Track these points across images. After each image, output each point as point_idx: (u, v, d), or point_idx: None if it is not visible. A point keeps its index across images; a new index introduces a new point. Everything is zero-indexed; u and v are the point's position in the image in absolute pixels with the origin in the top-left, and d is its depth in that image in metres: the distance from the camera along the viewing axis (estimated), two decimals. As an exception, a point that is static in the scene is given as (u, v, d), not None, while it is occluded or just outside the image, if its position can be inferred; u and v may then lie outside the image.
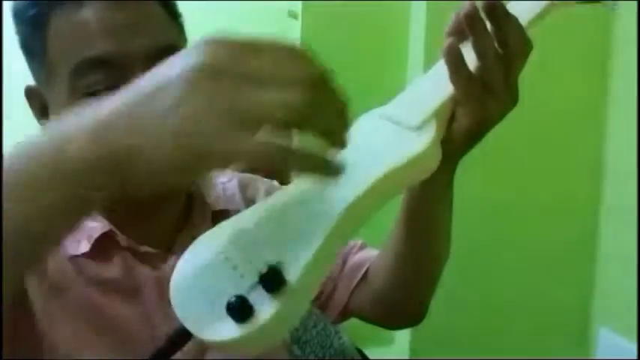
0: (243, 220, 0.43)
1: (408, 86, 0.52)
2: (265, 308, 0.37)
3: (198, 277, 0.40)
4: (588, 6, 0.52)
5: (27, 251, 0.36)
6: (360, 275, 0.71)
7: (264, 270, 0.37)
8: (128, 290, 0.59)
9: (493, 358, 1.58)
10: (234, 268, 0.39)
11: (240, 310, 0.36)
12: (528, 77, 1.78)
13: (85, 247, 0.60)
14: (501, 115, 0.50)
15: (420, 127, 0.47)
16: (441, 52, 0.47)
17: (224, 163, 0.33)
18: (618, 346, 1.60)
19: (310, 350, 1.24)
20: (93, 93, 0.54)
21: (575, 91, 1.68)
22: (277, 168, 0.32)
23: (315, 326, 1.27)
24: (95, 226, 0.61)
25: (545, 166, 1.68)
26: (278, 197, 0.44)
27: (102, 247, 0.60)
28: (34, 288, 0.57)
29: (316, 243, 0.39)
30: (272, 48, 0.32)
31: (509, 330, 1.68)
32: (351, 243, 0.74)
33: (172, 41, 0.58)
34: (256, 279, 0.37)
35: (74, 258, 0.59)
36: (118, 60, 0.53)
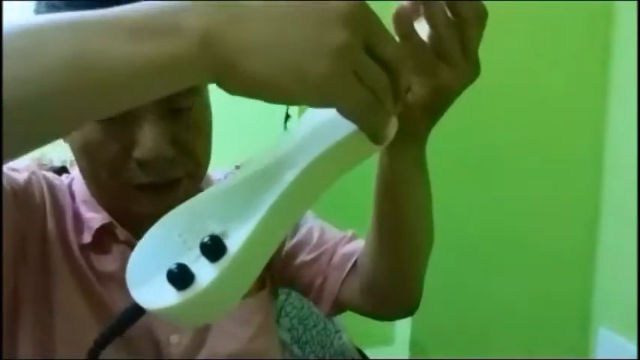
0: (202, 197, 0.44)
1: None
2: (205, 275, 0.37)
3: (151, 252, 0.41)
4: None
5: (113, 96, 0.36)
6: (349, 265, 0.70)
7: (205, 239, 0.38)
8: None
9: (493, 358, 1.59)
10: (185, 242, 0.40)
11: (179, 277, 0.37)
12: (529, 76, 1.79)
13: (87, 237, 0.62)
14: (461, 87, 0.49)
15: None
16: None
17: (325, 100, 0.36)
18: (618, 346, 1.60)
19: (310, 350, 1.25)
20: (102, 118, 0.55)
21: (575, 90, 1.68)
22: (356, 122, 0.38)
23: (315, 326, 1.27)
24: (95, 217, 0.62)
25: (545, 166, 1.68)
26: (234, 176, 0.45)
27: (102, 239, 0.62)
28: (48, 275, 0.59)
29: (259, 214, 0.39)
30: (390, 36, 0.37)
31: (509, 330, 1.68)
32: (341, 234, 0.74)
33: None
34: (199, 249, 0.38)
35: (81, 248, 0.62)
36: None
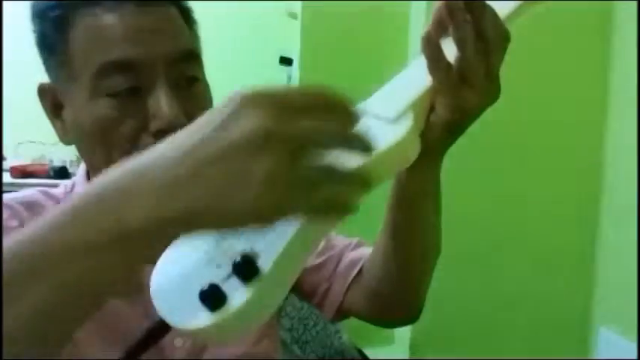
0: None
1: (388, 80, 0.53)
2: (237, 296, 0.37)
3: (177, 269, 0.41)
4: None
5: (72, 315, 0.37)
6: (354, 272, 0.71)
7: (238, 259, 0.38)
8: (131, 287, 0.59)
9: (493, 358, 1.59)
10: (212, 259, 0.40)
11: (212, 297, 0.37)
12: (529, 77, 1.78)
13: None
14: (481, 108, 0.50)
15: (397, 119, 0.47)
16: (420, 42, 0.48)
17: (283, 218, 0.35)
18: (618, 346, 1.60)
19: (310, 350, 1.25)
20: (114, 94, 0.55)
21: (575, 91, 1.68)
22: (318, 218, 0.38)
23: (315, 326, 1.27)
24: None
25: (545, 167, 1.68)
26: None
27: None
28: None
29: (290, 232, 0.39)
30: (310, 103, 0.35)
31: (509, 330, 1.69)
32: (347, 241, 0.74)
33: (191, 46, 0.60)
34: (231, 269, 0.38)
35: None
36: (140, 63, 0.55)
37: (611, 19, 1.66)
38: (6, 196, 0.63)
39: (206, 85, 0.62)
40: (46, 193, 0.65)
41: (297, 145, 0.34)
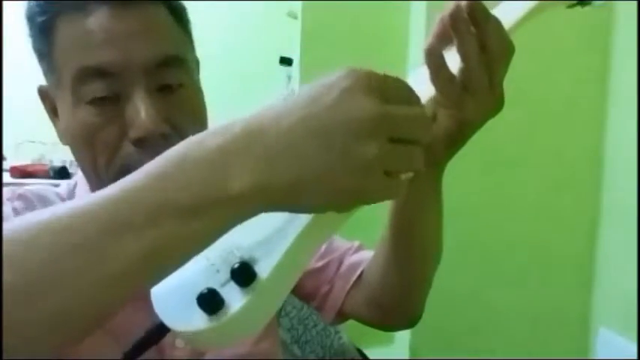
0: None
1: None
2: (235, 301, 0.38)
3: (178, 273, 0.41)
4: (577, 9, 0.51)
5: (159, 272, 0.37)
6: (355, 276, 0.71)
7: (236, 265, 0.38)
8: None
9: (493, 358, 1.59)
10: (212, 264, 0.41)
11: (210, 302, 0.38)
12: (529, 76, 1.78)
13: None
14: (483, 119, 0.50)
15: None
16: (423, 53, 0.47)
17: (369, 203, 0.37)
18: (618, 346, 1.60)
19: (310, 350, 1.24)
20: (94, 101, 0.55)
21: (575, 91, 1.68)
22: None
23: (315, 326, 1.27)
24: None
25: (545, 166, 1.68)
26: None
27: None
28: None
29: (289, 241, 0.40)
30: (408, 99, 0.38)
31: (509, 330, 1.68)
32: (348, 244, 0.75)
33: (175, 52, 0.58)
34: (229, 274, 0.39)
35: None
36: (118, 70, 0.54)
37: (611, 19, 1.66)
38: (21, 187, 0.63)
39: (193, 89, 0.60)
40: (53, 191, 0.65)
41: (397, 134, 0.36)
